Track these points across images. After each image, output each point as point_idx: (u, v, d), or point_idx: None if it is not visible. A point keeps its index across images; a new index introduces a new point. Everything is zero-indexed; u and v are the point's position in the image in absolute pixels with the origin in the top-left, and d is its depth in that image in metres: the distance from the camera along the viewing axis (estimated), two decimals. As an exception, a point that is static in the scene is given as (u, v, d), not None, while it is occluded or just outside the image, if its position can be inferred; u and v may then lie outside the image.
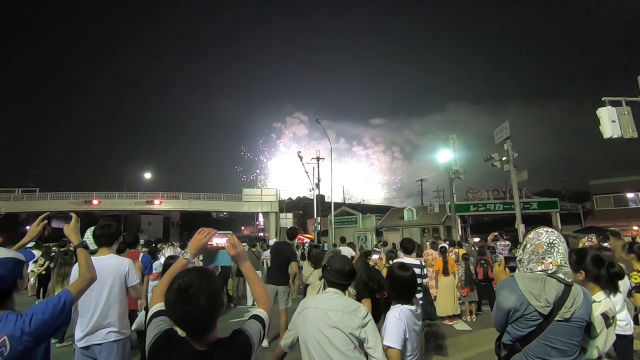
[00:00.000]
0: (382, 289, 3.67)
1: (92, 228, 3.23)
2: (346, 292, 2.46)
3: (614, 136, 7.47)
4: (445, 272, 7.49)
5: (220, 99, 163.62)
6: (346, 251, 8.51)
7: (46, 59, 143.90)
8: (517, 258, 2.02)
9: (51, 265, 8.75)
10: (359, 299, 4.09)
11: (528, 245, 1.92)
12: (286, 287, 5.99)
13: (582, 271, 2.35)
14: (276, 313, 5.74)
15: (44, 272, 9.01)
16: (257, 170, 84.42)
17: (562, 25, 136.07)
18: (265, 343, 5.62)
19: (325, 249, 12.62)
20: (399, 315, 2.26)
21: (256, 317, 1.52)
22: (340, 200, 42.62)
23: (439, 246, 8.55)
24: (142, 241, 10.08)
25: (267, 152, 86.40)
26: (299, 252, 14.55)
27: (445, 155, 16.27)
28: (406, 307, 2.33)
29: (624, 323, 3.14)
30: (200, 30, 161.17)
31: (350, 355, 1.98)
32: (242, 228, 70.16)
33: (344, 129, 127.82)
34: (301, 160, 21.65)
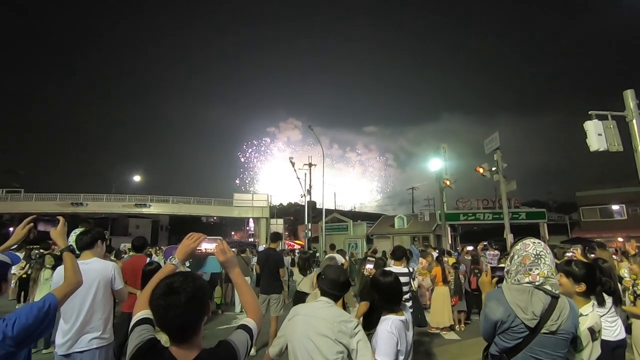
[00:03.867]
0: None
1: (77, 231, 3.17)
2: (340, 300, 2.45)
3: (600, 149, 7.63)
4: (445, 280, 7.45)
5: (212, 102, 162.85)
6: (336, 258, 8.48)
7: (31, 56, 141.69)
8: (505, 269, 2.02)
9: (28, 270, 8.57)
10: (361, 300, 4.09)
11: (515, 257, 1.93)
12: (278, 295, 5.91)
13: (583, 284, 2.24)
14: (267, 320, 5.70)
15: (24, 276, 8.79)
16: (244, 176, 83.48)
17: (554, 40, 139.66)
18: (252, 351, 5.52)
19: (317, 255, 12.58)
20: (390, 328, 2.22)
21: (244, 327, 1.45)
22: (331, 207, 42.62)
23: (435, 255, 8.55)
24: (128, 245, 9.88)
25: (260, 158, 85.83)
26: (289, 259, 14.49)
27: (436, 164, 16.44)
28: (397, 319, 2.29)
29: (616, 329, 3.17)
30: (193, 33, 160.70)
31: None
32: (232, 233, 69.44)
33: (337, 135, 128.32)
34: (293, 166, 21.66)
